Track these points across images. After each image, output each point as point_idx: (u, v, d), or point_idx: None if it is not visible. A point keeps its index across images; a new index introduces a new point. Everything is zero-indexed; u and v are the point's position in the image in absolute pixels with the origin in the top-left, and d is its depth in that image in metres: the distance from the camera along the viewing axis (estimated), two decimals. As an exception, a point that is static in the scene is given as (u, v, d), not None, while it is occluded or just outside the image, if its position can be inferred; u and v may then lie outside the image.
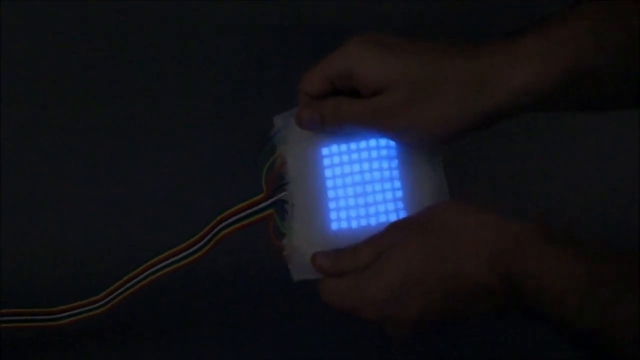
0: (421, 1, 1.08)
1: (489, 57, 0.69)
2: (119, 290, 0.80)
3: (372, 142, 0.76)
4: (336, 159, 0.75)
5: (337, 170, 0.75)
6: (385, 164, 0.75)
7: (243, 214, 0.76)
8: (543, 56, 0.68)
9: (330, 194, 0.74)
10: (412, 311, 0.69)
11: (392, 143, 0.75)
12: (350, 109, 0.72)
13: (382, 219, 0.74)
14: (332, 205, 0.74)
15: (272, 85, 1.03)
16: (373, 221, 0.74)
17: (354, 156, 0.75)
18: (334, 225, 0.74)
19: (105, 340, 0.89)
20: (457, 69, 0.69)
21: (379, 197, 0.75)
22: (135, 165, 1.01)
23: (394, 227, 0.72)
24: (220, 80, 1.06)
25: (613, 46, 0.69)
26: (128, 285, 0.80)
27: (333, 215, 0.74)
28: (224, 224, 0.77)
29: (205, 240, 0.78)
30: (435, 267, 0.68)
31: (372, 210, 0.74)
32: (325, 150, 0.75)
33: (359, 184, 0.75)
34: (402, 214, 0.74)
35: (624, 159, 1.03)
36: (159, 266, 0.79)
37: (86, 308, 0.81)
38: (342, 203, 0.74)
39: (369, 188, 0.74)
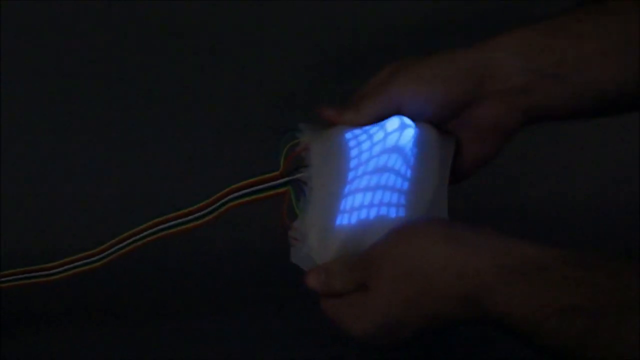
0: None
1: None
2: (117, 247, 0.79)
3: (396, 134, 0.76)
4: (361, 138, 0.75)
5: (362, 147, 0.75)
6: (409, 147, 0.75)
7: (256, 187, 0.76)
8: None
9: (351, 175, 0.74)
10: (394, 341, 0.72)
11: (416, 131, 0.76)
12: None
13: (383, 211, 0.74)
14: (347, 189, 0.74)
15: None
16: (373, 213, 0.74)
17: (377, 148, 0.75)
18: (339, 219, 0.73)
19: (102, 317, 0.88)
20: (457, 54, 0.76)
21: (389, 181, 0.75)
22: (137, 158, 1.03)
23: (373, 255, 0.72)
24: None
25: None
26: (126, 242, 0.78)
27: (343, 203, 0.74)
28: (234, 195, 0.76)
29: (212, 208, 0.77)
30: (413, 311, 0.70)
31: (377, 197, 0.74)
32: (349, 135, 0.75)
33: (375, 173, 0.74)
34: (401, 212, 0.75)
35: (623, 157, 1.03)
36: (160, 227, 0.78)
37: (81, 262, 0.80)
38: (354, 186, 0.74)
39: (390, 162, 0.75)
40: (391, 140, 0.75)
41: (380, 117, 0.76)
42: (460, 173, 0.80)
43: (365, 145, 0.75)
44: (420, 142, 0.76)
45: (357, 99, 0.77)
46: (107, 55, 1.07)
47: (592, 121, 0.96)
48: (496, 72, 0.76)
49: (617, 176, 1.02)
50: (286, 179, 0.75)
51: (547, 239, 0.86)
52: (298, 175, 0.75)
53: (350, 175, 0.74)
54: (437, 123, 0.77)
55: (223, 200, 0.76)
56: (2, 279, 0.81)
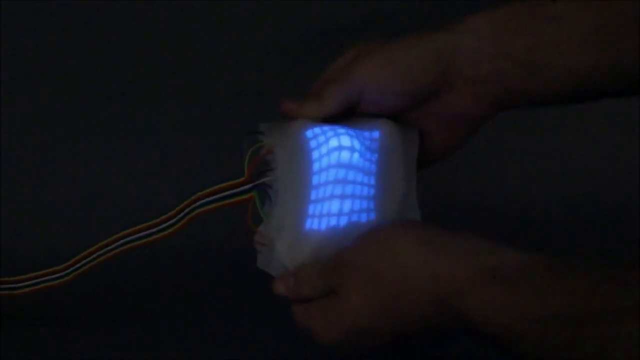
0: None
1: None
2: (83, 261, 0.78)
3: (358, 132, 0.74)
4: (321, 139, 0.73)
5: (324, 162, 0.73)
6: (367, 155, 0.74)
7: (221, 194, 0.74)
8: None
9: (315, 179, 0.72)
10: (366, 348, 0.70)
11: (375, 134, 0.74)
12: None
13: (354, 218, 0.73)
14: (313, 195, 0.72)
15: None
16: (343, 221, 0.72)
17: (333, 158, 0.73)
18: (308, 223, 0.72)
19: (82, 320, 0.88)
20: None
21: (355, 191, 0.73)
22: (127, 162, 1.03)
23: (343, 259, 0.70)
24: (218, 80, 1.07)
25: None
26: (93, 256, 0.78)
27: (311, 208, 0.72)
28: (200, 202, 0.75)
29: (178, 217, 0.76)
30: (384, 318, 0.67)
31: (346, 206, 0.73)
32: (309, 133, 0.73)
33: (342, 168, 0.73)
34: (372, 216, 0.73)
35: (623, 157, 1.02)
36: (127, 239, 0.77)
37: (45, 278, 0.79)
38: (321, 193, 0.72)
39: (350, 176, 0.73)
40: (344, 157, 0.74)
41: (342, 106, 0.73)
42: (424, 164, 0.77)
43: (324, 149, 0.73)
44: (380, 145, 0.74)
45: (319, 87, 0.74)
46: (105, 53, 1.08)
47: (591, 120, 0.99)
48: (464, 58, 0.72)
49: (617, 176, 1.01)
50: (251, 184, 0.73)
51: (544, 239, 0.89)
52: (263, 180, 0.73)
53: (315, 179, 0.73)
54: (400, 112, 0.75)
55: (189, 209, 0.75)
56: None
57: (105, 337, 0.84)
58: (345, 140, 0.73)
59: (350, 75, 0.73)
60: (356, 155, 0.73)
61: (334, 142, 0.73)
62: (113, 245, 0.77)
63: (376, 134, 0.74)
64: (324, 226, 0.72)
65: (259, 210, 0.73)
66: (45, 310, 0.85)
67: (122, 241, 0.77)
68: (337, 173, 0.73)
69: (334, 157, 0.72)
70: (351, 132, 0.74)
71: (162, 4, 1.09)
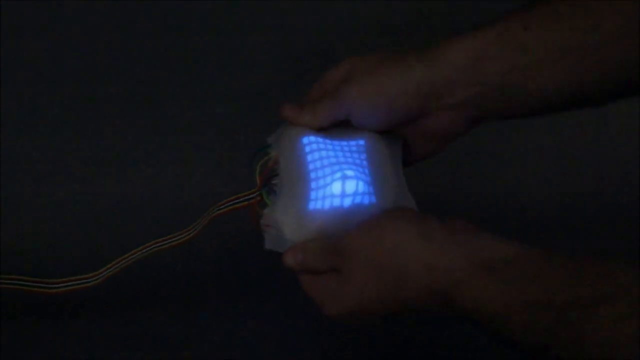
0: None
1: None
2: (112, 268, 0.85)
3: (344, 142, 0.83)
4: (314, 146, 0.82)
5: (316, 155, 0.81)
6: (355, 155, 0.82)
7: (235, 201, 0.83)
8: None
9: (312, 175, 0.80)
10: (364, 323, 0.77)
11: (360, 142, 0.83)
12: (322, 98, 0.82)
13: (357, 200, 0.80)
14: (313, 185, 0.80)
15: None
16: (347, 202, 0.80)
17: (329, 146, 0.83)
18: (311, 205, 0.79)
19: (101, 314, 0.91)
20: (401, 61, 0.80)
21: (352, 182, 0.80)
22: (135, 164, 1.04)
23: (348, 243, 0.76)
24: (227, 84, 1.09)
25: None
26: (122, 262, 0.85)
27: (313, 194, 0.80)
28: (216, 210, 0.84)
29: (195, 225, 0.85)
30: (384, 301, 0.74)
31: (348, 189, 0.79)
32: (305, 140, 0.82)
33: (336, 165, 0.80)
34: (372, 199, 0.80)
35: (624, 157, 1.03)
36: (153, 247, 0.85)
37: (79, 282, 0.85)
38: (321, 183, 0.80)
39: (348, 172, 0.80)
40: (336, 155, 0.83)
41: (332, 121, 0.82)
42: (406, 163, 0.85)
43: (317, 155, 0.82)
44: (366, 149, 0.83)
45: (314, 100, 0.82)
46: (107, 55, 1.08)
47: (592, 120, 1.01)
48: (445, 89, 0.79)
49: (617, 176, 1.02)
50: (260, 191, 0.82)
51: (544, 238, 0.91)
52: (270, 182, 0.82)
53: (312, 174, 0.81)
54: (384, 129, 0.83)
55: (205, 216, 0.84)
56: (5, 281, 0.84)
57: (106, 336, 0.88)
58: (334, 147, 0.82)
59: (341, 95, 0.80)
60: (346, 154, 0.82)
61: (324, 154, 0.82)
62: (137, 254, 0.85)
63: (362, 142, 0.84)
64: (327, 206, 0.79)
65: (265, 199, 0.81)
66: (43, 308, 0.87)
67: (145, 250, 0.85)
68: (331, 160, 0.81)
69: (326, 158, 0.81)
70: (338, 142, 0.83)
71: (169, 6, 1.10)
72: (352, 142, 0.84)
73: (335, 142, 0.83)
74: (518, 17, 0.78)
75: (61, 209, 0.95)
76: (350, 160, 0.82)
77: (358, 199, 0.80)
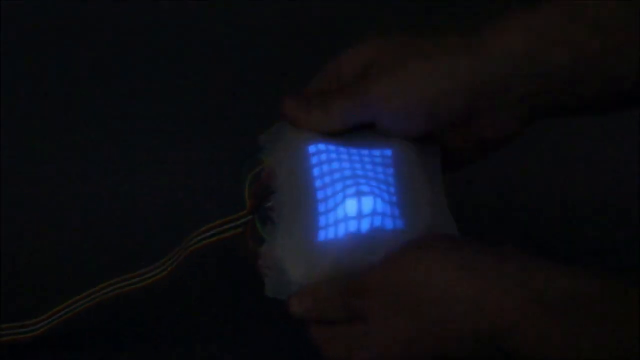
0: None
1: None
2: (57, 316, 0.72)
3: (364, 151, 0.67)
4: (324, 156, 0.66)
5: (326, 167, 0.66)
6: (379, 169, 0.67)
7: (220, 228, 0.67)
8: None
9: (320, 194, 0.65)
10: None
11: (386, 152, 0.67)
12: (337, 93, 0.66)
13: (377, 222, 0.64)
14: (321, 207, 0.65)
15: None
16: (365, 225, 0.64)
17: (344, 157, 0.67)
18: (321, 235, 0.64)
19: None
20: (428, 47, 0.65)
21: (373, 189, 0.65)
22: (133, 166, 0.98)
23: (372, 282, 0.62)
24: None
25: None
26: (75, 306, 0.72)
27: (322, 220, 0.64)
28: (196, 239, 0.68)
29: (173, 259, 0.69)
30: (418, 350, 0.61)
31: (366, 206, 0.64)
32: (312, 149, 0.66)
33: (350, 179, 0.65)
34: (399, 223, 0.65)
35: (624, 157, 0.96)
36: (121, 284, 0.71)
37: (14, 331, 0.73)
38: (331, 204, 0.64)
39: (363, 187, 0.65)
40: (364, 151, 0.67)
41: (350, 126, 0.66)
42: (445, 172, 0.70)
43: (326, 168, 0.66)
44: (394, 162, 0.67)
45: (325, 95, 0.66)
46: (108, 56, 1.05)
47: (592, 120, 0.91)
48: (498, 85, 0.64)
49: (617, 177, 0.94)
50: (252, 216, 0.66)
51: (546, 241, 0.85)
52: (264, 205, 0.66)
53: (319, 194, 0.65)
54: (419, 135, 0.67)
55: (185, 246, 0.68)
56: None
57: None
58: (351, 157, 0.67)
59: (364, 96, 0.65)
60: (366, 166, 0.67)
61: (336, 165, 0.66)
62: (105, 290, 0.71)
63: (388, 152, 0.67)
64: (341, 233, 0.64)
65: (260, 231, 0.65)
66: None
67: (115, 286, 0.71)
68: (345, 174, 0.65)
69: (338, 171, 0.66)
70: (357, 150, 0.67)
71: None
72: (376, 152, 0.67)
73: (354, 151, 0.67)
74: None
75: (62, 209, 0.90)
76: (371, 174, 0.66)
77: (378, 221, 0.64)
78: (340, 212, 0.64)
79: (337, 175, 0.65)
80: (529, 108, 0.65)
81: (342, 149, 0.66)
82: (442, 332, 0.60)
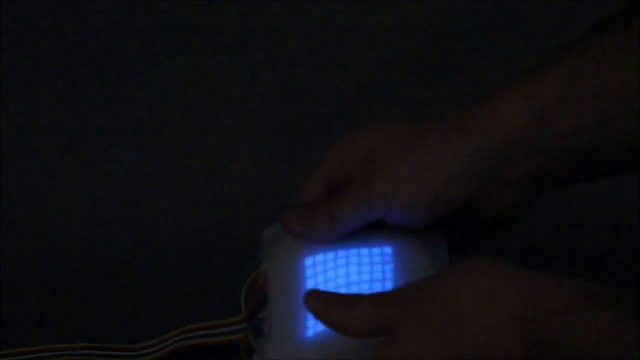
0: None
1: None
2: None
3: (364, 250, 0.66)
4: (320, 267, 0.66)
5: (320, 278, 0.66)
6: (377, 268, 0.66)
7: (213, 331, 0.67)
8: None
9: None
10: None
11: (387, 249, 0.67)
12: (340, 197, 0.65)
13: None
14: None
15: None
16: None
17: (341, 261, 0.66)
18: (310, 331, 0.64)
19: None
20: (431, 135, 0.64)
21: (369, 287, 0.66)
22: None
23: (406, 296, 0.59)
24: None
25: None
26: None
27: (310, 321, 0.64)
28: (187, 335, 0.68)
29: (160, 346, 0.69)
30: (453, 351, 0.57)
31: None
32: (309, 261, 0.66)
33: (343, 287, 0.65)
34: None
35: None
36: (86, 352, 0.71)
37: None
38: None
39: (354, 289, 0.66)
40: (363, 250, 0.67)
41: (358, 228, 0.65)
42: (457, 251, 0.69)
43: (320, 279, 0.66)
44: (394, 259, 0.67)
45: (331, 204, 0.64)
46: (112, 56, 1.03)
47: None
48: (500, 164, 0.63)
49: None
50: (245, 325, 0.66)
51: (546, 241, 0.84)
52: (256, 317, 0.66)
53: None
54: (427, 224, 0.66)
55: (175, 339, 0.68)
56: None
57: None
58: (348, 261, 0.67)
59: (369, 198, 0.63)
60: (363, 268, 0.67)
61: (331, 274, 0.66)
62: (74, 352, 0.70)
63: (388, 249, 0.67)
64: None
65: (252, 342, 0.66)
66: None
67: (87, 352, 0.70)
68: (339, 282, 0.66)
69: (333, 280, 0.66)
70: (356, 250, 0.66)
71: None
72: (375, 250, 0.67)
73: (352, 252, 0.66)
74: (586, 51, 0.62)
75: (62, 209, 0.88)
76: (367, 277, 0.66)
77: None
78: None
79: (331, 284, 0.65)
80: (536, 182, 0.64)
81: (340, 253, 0.66)
82: (481, 328, 0.55)
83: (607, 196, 0.83)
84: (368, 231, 0.66)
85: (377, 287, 0.65)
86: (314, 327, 0.64)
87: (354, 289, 0.65)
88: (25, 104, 0.96)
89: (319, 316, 0.61)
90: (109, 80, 0.99)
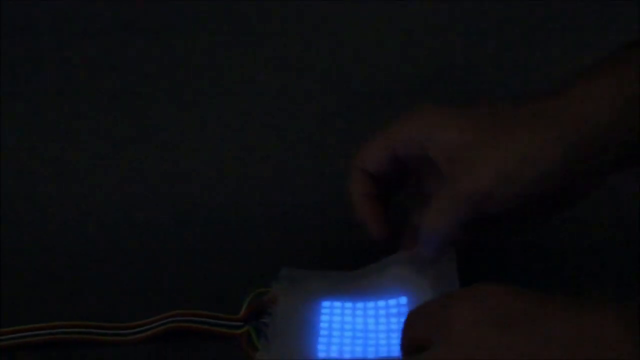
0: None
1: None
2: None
3: (381, 303, 0.69)
4: (337, 311, 0.69)
5: (337, 320, 0.68)
6: (394, 320, 0.68)
7: (212, 320, 0.69)
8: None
9: (323, 333, 0.67)
10: None
11: (402, 300, 0.68)
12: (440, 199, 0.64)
13: (383, 351, 0.66)
14: (322, 339, 0.67)
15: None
16: (371, 353, 0.66)
17: (359, 312, 0.69)
18: (322, 354, 0.66)
19: None
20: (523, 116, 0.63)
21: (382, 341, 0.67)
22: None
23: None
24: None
25: None
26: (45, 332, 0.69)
27: (322, 345, 0.66)
28: (182, 318, 0.69)
29: (157, 324, 0.69)
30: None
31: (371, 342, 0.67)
32: (326, 303, 0.69)
33: (360, 332, 0.67)
34: None
35: None
36: (77, 330, 0.69)
37: None
38: (335, 340, 0.67)
39: (371, 336, 0.67)
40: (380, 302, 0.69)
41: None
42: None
43: (345, 319, 0.68)
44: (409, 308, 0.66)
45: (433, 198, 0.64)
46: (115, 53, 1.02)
47: None
48: (596, 153, 0.62)
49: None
50: (246, 325, 0.69)
51: (545, 241, 0.81)
52: (260, 320, 0.69)
53: (323, 332, 0.67)
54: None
55: (169, 320, 0.69)
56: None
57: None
58: (366, 313, 0.69)
59: (469, 193, 0.62)
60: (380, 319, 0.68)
61: (349, 319, 0.69)
62: (75, 330, 0.69)
63: (404, 300, 0.68)
64: (347, 355, 0.66)
65: (255, 342, 0.68)
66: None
67: (77, 330, 0.69)
68: (356, 327, 0.68)
69: (348, 323, 0.68)
70: (373, 303, 0.69)
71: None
72: (392, 302, 0.68)
73: (370, 305, 0.69)
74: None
75: (62, 209, 0.85)
76: (384, 327, 0.67)
77: (384, 351, 0.66)
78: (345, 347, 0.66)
79: (347, 328, 0.67)
80: (608, 173, 0.64)
81: (358, 304, 0.68)
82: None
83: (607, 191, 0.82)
84: (386, 283, 0.68)
85: (394, 337, 0.66)
86: (326, 351, 0.66)
87: (372, 336, 0.66)
88: (25, 104, 0.95)
89: None
90: (109, 80, 0.98)
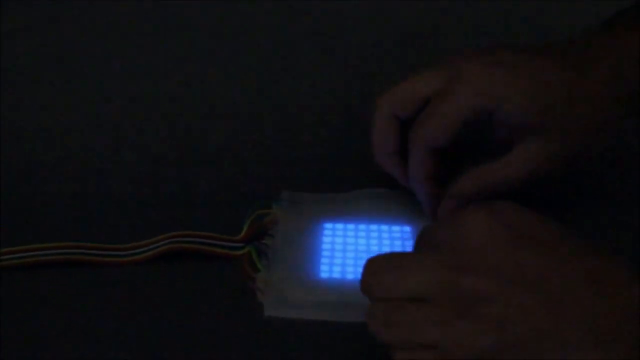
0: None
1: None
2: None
3: (384, 227, 0.70)
4: (339, 233, 0.70)
5: (339, 242, 0.69)
6: (398, 243, 0.69)
7: (213, 241, 0.69)
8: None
9: (325, 253, 0.68)
10: None
11: (406, 228, 0.70)
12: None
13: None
14: (324, 259, 0.67)
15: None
16: None
17: (362, 234, 0.70)
18: (324, 274, 0.66)
19: None
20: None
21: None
22: None
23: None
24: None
25: None
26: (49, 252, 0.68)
27: (325, 266, 0.67)
28: (187, 238, 0.69)
29: (158, 244, 0.68)
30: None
31: None
32: (328, 225, 0.70)
33: (363, 255, 0.67)
34: None
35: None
36: (80, 251, 0.68)
37: None
38: (338, 260, 0.67)
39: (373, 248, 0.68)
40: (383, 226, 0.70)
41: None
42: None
43: (346, 240, 0.69)
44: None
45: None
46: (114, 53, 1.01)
47: None
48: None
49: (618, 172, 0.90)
50: (247, 246, 0.69)
51: None
52: (261, 242, 0.69)
53: (325, 253, 0.68)
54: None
55: (169, 241, 0.68)
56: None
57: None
58: (368, 234, 0.70)
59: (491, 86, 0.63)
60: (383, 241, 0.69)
61: (350, 240, 0.70)
62: (75, 252, 0.68)
63: (407, 228, 0.70)
64: (350, 277, 0.65)
65: (256, 262, 0.67)
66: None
67: (80, 251, 0.68)
68: (357, 247, 0.68)
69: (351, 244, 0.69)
70: (377, 228, 0.70)
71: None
72: (395, 228, 0.70)
73: (373, 228, 0.70)
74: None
75: (62, 209, 0.81)
76: (386, 249, 0.67)
77: None
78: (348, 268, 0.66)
79: (350, 249, 0.68)
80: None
81: (361, 227, 0.70)
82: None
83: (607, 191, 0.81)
84: (392, 212, 0.70)
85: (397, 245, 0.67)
86: (328, 272, 0.66)
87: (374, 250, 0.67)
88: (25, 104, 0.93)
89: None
90: (109, 80, 0.96)
